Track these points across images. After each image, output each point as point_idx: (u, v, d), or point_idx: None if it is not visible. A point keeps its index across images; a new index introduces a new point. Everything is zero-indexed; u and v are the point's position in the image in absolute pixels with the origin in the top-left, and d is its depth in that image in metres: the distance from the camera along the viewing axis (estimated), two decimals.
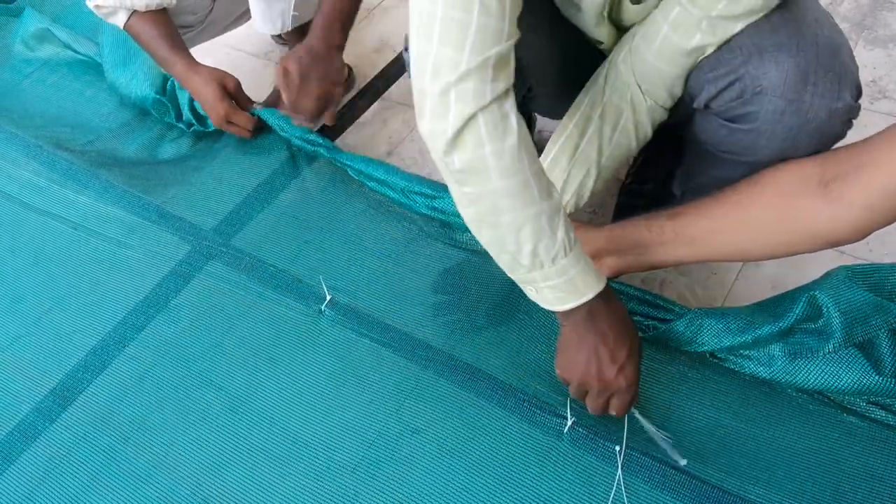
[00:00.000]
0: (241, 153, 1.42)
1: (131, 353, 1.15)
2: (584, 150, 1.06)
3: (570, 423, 0.94)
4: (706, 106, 0.96)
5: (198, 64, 1.38)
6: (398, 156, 1.49)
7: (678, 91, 1.00)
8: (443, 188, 1.19)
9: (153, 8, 1.36)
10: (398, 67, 1.59)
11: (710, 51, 0.93)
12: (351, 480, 0.96)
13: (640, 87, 1.01)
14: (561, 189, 1.07)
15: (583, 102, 1.06)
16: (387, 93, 1.59)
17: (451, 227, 1.21)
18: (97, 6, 1.37)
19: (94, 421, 1.08)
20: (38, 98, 1.73)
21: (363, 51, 1.78)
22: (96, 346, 1.16)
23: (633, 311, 1.03)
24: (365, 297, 1.15)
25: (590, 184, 1.08)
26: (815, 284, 0.93)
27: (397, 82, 1.58)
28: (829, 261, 1.05)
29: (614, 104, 1.04)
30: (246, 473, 0.99)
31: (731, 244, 0.93)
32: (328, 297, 1.13)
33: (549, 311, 0.88)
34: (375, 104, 1.57)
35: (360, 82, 1.67)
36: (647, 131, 1.05)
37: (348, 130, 1.53)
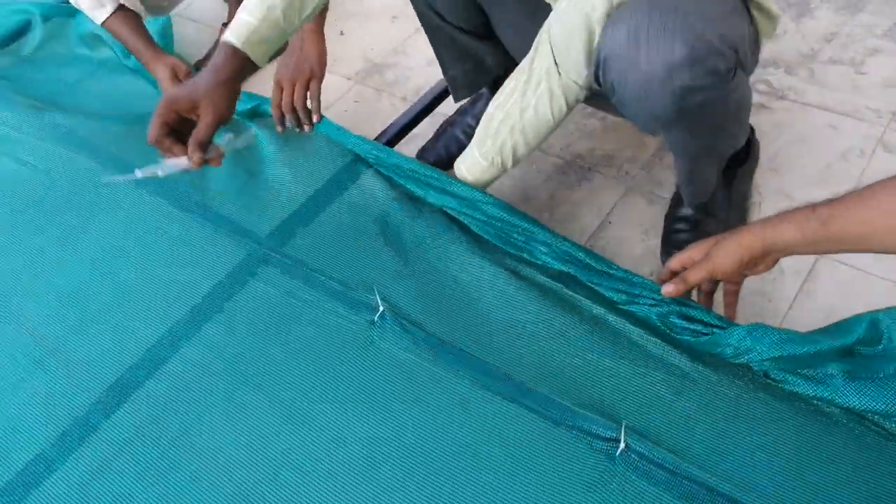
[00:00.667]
0: (301, 158, 1.44)
1: (184, 355, 1.17)
2: (510, 110, 1.13)
3: (622, 447, 0.93)
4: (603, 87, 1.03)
5: (163, 54, 1.65)
6: None
7: (581, 66, 1.03)
8: (506, 206, 1.21)
9: (130, 8, 1.66)
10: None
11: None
12: (400, 494, 0.96)
13: (553, 54, 1.06)
14: (491, 144, 1.16)
15: (526, 56, 1.12)
16: (438, 108, 1.61)
17: (509, 243, 1.21)
18: (77, 3, 1.65)
19: (147, 419, 1.10)
20: (97, 97, 1.78)
21: (417, 63, 1.80)
22: (153, 346, 1.19)
23: (683, 326, 1.03)
24: (418, 311, 1.15)
25: (509, 144, 1.15)
26: (878, 311, 0.92)
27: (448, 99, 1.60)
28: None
29: (536, 68, 1.09)
30: (292, 476, 1.00)
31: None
32: (381, 309, 1.14)
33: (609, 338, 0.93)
34: (427, 119, 1.59)
35: (413, 96, 1.69)
36: (562, 103, 1.10)
37: (401, 143, 1.54)
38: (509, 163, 1.19)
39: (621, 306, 1.09)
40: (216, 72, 1.11)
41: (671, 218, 1.31)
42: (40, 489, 1.04)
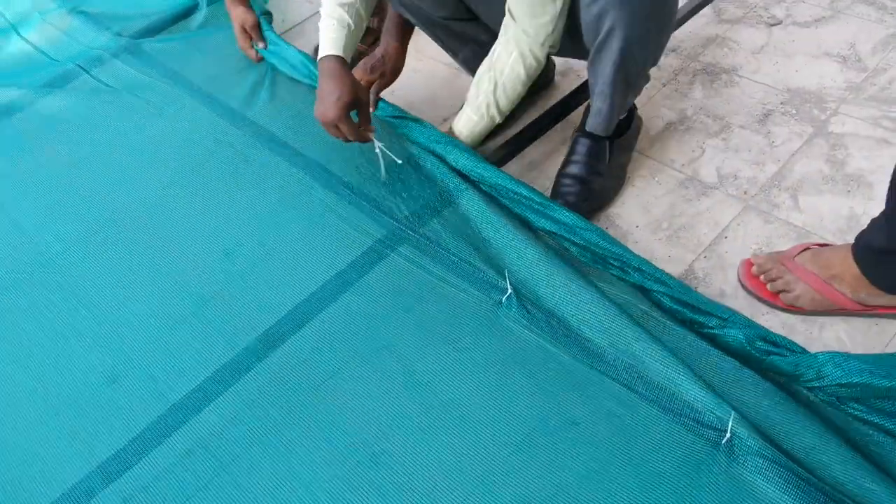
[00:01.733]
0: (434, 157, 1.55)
1: (326, 317, 1.31)
2: (492, 73, 1.48)
3: (727, 436, 1.01)
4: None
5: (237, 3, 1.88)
6: None
7: (543, 28, 1.37)
8: (601, 232, 1.32)
9: None
10: (582, 93, 1.69)
11: None
12: (510, 460, 1.07)
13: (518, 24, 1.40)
14: (482, 100, 1.50)
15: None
16: (569, 116, 1.70)
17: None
18: None
19: (290, 368, 1.24)
20: (248, 79, 1.94)
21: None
22: (300, 303, 1.33)
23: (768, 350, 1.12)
24: (543, 296, 1.25)
25: (493, 98, 1.49)
26: None
27: (579, 108, 1.69)
28: None
29: (509, 37, 1.42)
30: (414, 436, 1.12)
31: None
32: (509, 291, 1.24)
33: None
34: (559, 124, 1.68)
35: (544, 104, 1.79)
36: (531, 61, 1.44)
37: (531, 146, 1.65)
38: (496, 114, 1.51)
39: (707, 330, 1.19)
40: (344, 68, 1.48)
41: (561, 174, 1.52)
42: (199, 417, 1.20)
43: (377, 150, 1.48)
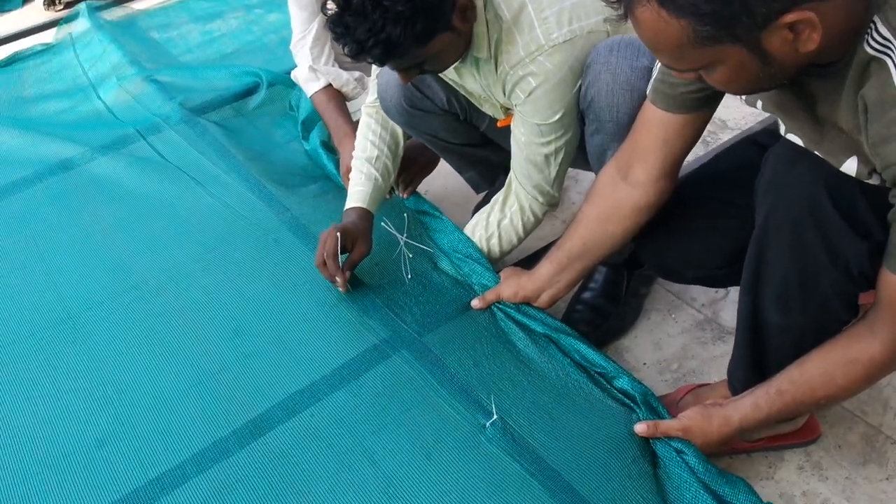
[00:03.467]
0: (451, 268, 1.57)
1: (316, 411, 1.31)
2: (489, 221, 1.51)
3: None
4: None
5: (353, 137, 1.72)
6: None
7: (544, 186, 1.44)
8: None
9: (337, 88, 1.92)
10: None
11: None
12: None
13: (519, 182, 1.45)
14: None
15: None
16: None
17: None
18: (295, 76, 1.94)
19: (270, 460, 1.24)
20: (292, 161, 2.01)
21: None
22: (291, 396, 1.34)
23: None
24: (527, 428, 1.24)
25: (486, 248, 1.51)
26: None
27: None
28: None
29: (512, 190, 1.48)
30: None
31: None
32: (494, 416, 1.23)
33: None
34: None
35: None
36: (529, 215, 1.48)
37: None
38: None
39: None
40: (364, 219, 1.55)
41: (576, 300, 1.54)
42: (172, 495, 1.21)
43: (402, 246, 1.53)
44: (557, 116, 1.33)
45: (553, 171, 1.41)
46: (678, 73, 0.96)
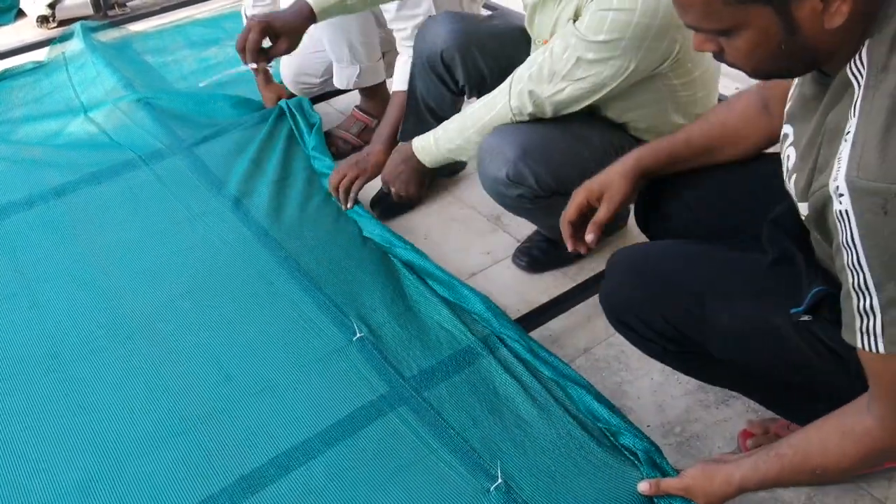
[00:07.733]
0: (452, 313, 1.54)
1: (309, 470, 1.26)
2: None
3: None
4: None
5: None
6: (593, 356, 1.56)
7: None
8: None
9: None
10: None
11: None
12: None
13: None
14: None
15: None
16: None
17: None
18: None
19: None
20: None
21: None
22: (285, 452, 1.29)
23: None
24: (529, 492, 1.20)
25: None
26: None
27: None
28: None
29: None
30: None
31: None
32: (499, 481, 1.19)
33: None
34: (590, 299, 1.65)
35: (574, 276, 1.77)
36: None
37: (556, 318, 1.62)
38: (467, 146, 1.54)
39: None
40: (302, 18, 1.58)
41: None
42: None
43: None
44: (611, 37, 1.30)
45: (557, 89, 1.39)
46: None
